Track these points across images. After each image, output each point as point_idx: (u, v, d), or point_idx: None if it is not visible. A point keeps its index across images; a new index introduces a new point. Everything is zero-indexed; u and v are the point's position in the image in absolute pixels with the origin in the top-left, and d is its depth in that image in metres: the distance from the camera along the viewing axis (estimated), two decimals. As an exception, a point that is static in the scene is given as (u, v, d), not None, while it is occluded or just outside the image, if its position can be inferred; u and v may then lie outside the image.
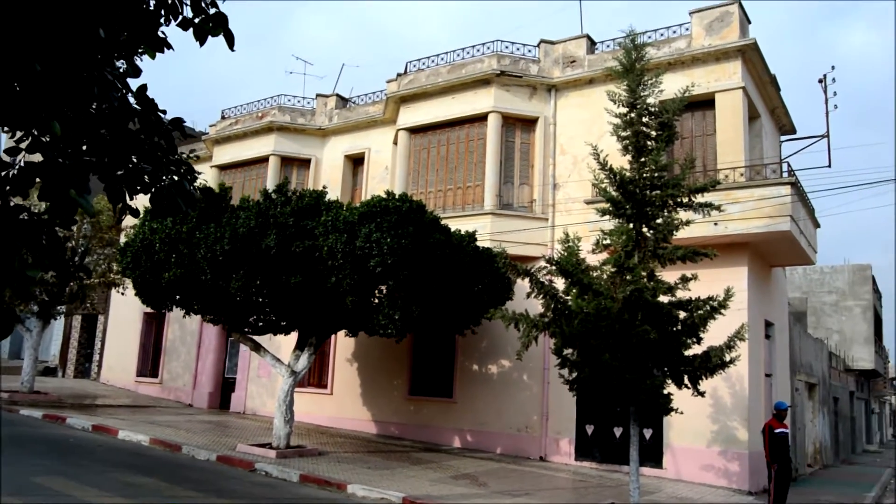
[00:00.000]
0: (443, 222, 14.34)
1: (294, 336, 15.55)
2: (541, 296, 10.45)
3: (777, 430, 11.96)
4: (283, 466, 12.49)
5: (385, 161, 20.36)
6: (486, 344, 17.35)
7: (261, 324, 15.33)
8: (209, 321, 15.79)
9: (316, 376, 20.41)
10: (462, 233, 14.53)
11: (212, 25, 3.12)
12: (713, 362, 10.30)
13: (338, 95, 22.25)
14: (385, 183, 19.42)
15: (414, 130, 18.86)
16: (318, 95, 22.44)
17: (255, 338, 15.80)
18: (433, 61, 18.97)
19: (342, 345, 19.69)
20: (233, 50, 3.19)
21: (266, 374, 21.02)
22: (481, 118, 17.67)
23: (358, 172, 21.47)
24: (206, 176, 22.08)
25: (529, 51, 18.07)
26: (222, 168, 23.18)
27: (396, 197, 13.24)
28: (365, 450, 15.57)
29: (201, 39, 3.15)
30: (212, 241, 13.19)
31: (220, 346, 22.77)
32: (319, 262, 13.06)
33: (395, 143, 19.50)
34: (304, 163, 21.92)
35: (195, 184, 3.68)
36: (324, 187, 15.27)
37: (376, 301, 14.06)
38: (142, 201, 3.52)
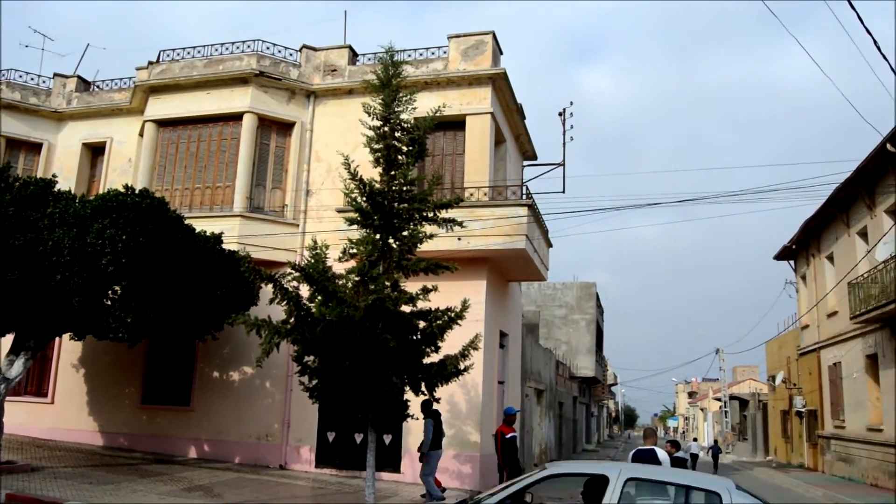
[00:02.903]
0: (188, 222, 13.73)
1: (9, 338, 13.97)
2: (284, 302, 10.34)
3: (508, 436, 12.91)
4: (-14, 484, 11.16)
5: (129, 153, 19.01)
6: (228, 350, 16.78)
7: (-32, 324, 13.59)
8: None
9: (35, 383, 18.49)
10: (208, 234, 13.97)
11: None
12: (449, 370, 10.79)
13: (79, 77, 20.40)
14: (127, 176, 18.10)
15: (163, 123, 17.81)
16: (55, 75, 20.42)
17: (-39, 340, 13.99)
18: (189, 53, 18.06)
19: (67, 348, 18.01)
20: None
21: (-26, 380, 18.66)
22: (236, 117, 17.11)
23: (97, 163, 19.81)
24: None
25: (291, 54, 17.85)
26: (-69, 145, 20.31)
27: (136, 192, 12.43)
28: (88, 463, 14.35)
29: None
30: None
31: (-84, 348, 19.87)
32: (43, 258, 11.88)
33: (142, 134, 18.28)
34: (35, 147, 19.82)
35: None
36: (53, 176, 13.91)
37: (108, 302, 13.06)
38: None
